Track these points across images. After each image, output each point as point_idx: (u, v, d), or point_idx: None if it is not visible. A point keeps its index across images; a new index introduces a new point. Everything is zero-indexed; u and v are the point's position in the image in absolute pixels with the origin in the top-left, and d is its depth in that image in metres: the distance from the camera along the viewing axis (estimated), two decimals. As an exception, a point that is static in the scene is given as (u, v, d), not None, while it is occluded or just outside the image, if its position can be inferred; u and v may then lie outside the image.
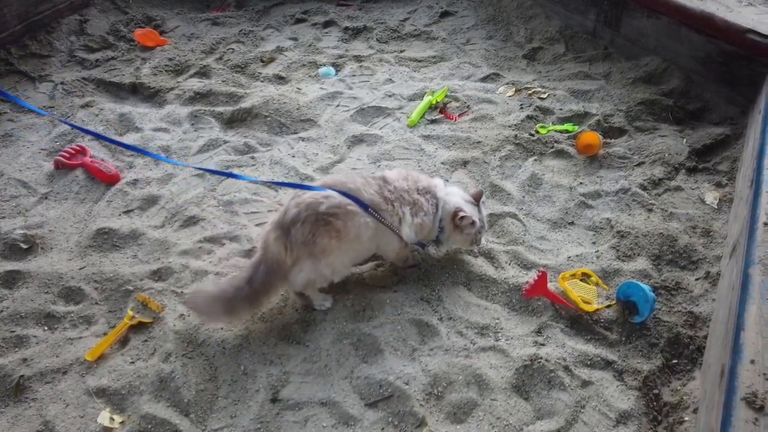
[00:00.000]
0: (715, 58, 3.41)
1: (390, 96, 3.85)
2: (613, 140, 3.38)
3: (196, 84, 4.00)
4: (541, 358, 2.21)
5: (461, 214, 2.39)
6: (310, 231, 2.21)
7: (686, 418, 2.02)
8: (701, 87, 3.57)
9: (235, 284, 2.28)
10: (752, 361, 1.68)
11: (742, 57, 3.25)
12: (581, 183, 3.10)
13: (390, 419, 2.05)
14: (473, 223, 2.42)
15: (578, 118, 3.55)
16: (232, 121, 3.67)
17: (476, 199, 2.53)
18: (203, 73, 4.16)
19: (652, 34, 3.79)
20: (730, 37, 3.28)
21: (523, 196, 3.03)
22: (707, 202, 2.89)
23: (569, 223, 2.88)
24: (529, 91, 3.79)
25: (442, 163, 3.23)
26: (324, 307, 2.47)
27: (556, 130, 3.46)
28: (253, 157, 3.38)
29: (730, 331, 1.87)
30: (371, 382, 2.16)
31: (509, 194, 3.04)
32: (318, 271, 2.30)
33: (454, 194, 2.50)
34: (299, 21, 4.89)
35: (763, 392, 1.61)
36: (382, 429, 2.03)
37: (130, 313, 2.42)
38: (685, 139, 3.30)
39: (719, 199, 2.88)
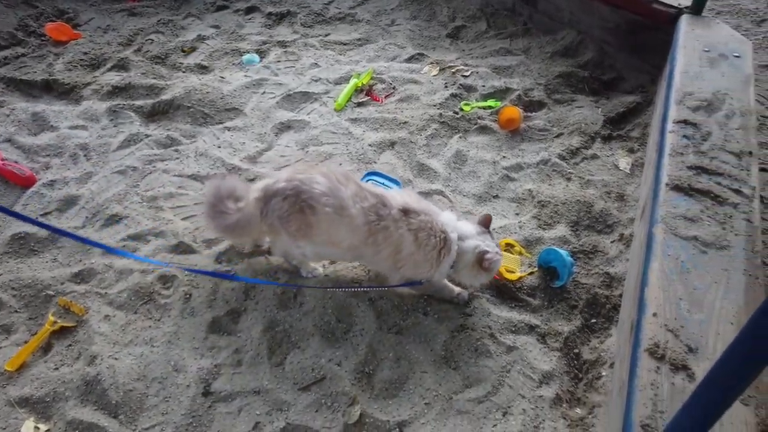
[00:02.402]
0: (623, 28, 3.55)
1: (316, 81, 3.82)
2: (533, 113, 3.48)
3: (114, 78, 3.85)
4: (468, 328, 2.29)
5: (488, 257, 2.16)
6: (287, 210, 2.19)
7: (603, 374, 2.14)
8: (613, 57, 3.71)
9: (229, 207, 2.37)
10: (654, 314, 1.80)
11: (648, 26, 3.40)
12: (504, 157, 3.18)
13: (323, 401, 2.08)
14: (497, 262, 2.22)
15: (500, 93, 3.63)
16: (153, 114, 3.57)
17: (485, 225, 2.32)
18: (121, 66, 4.01)
19: (567, 8, 3.90)
20: (636, 8, 3.42)
21: (450, 173, 3.09)
22: (621, 168, 3.02)
23: (494, 197, 2.96)
24: (453, 70, 3.84)
25: (370, 145, 3.25)
26: (311, 275, 2.50)
27: (479, 107, 3.53)
28: (177, 150, 3.30)
29: (637, 288, 1.99)
30: (304, 366, 2.18)
31: (436, 172, 3.09)
32: (291, 248, 2.31)
33: (468, 233, 2.25)
34: (221, 8, 4.76)
35: (664, 342, 1.72)
36: (316, 411, 2.05)
37: (52, 318, 2.35)
38: (600, 109, 3.43)
39: (631, 164, 3.02)
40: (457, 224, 2.26)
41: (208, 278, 2.54)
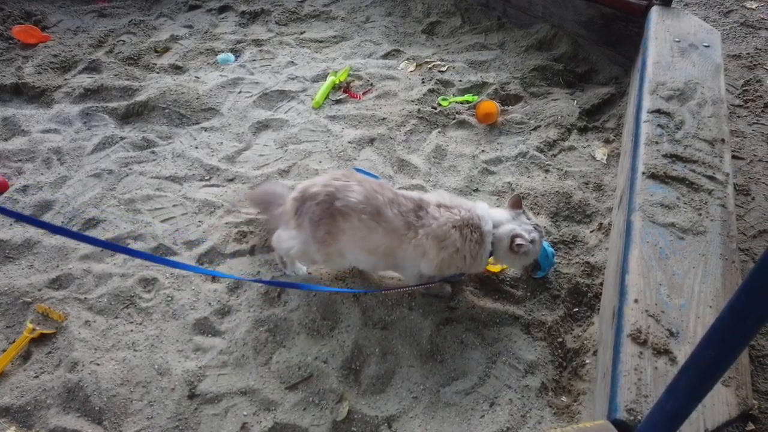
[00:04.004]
0: (596, 20, 3.60)
1: (293, 79, 3.80)
2: (510, 107, 3.51)
3: (85, 80, 3.78)
4: (453, 321, 2.30)
5: (518, 241, 2.14)
6: (319, 215, 2.18)
7: (587, 361, 2.17)
8: (587, 50, 3.76)
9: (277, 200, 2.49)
10: (636, 300, 1.83)
11: (620, 18, 3.45)
12: (483, 151, 3.20)
13: (311, 399, 2.07)
14: (533, 241, 2.19)
15: (477, 88, 3.65)
16: (127, 116, 3.51)
17: (516, 207, 2.30)
18: (93, 68, 3.94)
19: (540, 2, 3.94)
20: (608, 0, 3.47)
21: (429, 168, 3.10)
22: (597, 158, 3.07)
23: (474, 190, 2.98)
24: (429, 65, 3.85)
25: (349, 142, 3.25)
26: (294, 274, 2.49)
27: (457, 102, 3.54)
28: (153, 152, 3.25)
29: (618, 275, 2.02)
30: (290, 365, 2.17)
31: (416, 167, 3.10)
32: (308, 250, 2.28)
33: (503, 219, 2.25)
34: (193, 7, 4.71)
35: (646, 328, 1.75)
36: (304, 409, 2.05)
37: (30, 325, 2.30)
38: (575, 101, 3.48)
39: (608, 155, 3.07)
40: (491, 212, 2.27)
41: (189, 280, 2.51)
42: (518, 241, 2.14)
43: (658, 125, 2.46)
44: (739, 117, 3.84)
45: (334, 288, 2.36)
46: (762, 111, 3.88)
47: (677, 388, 1.29)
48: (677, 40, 2.98)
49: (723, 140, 2.38)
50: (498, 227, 2.22)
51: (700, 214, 2.08)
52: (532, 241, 2.18)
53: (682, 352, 1.68)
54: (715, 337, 1.17)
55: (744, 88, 4.08)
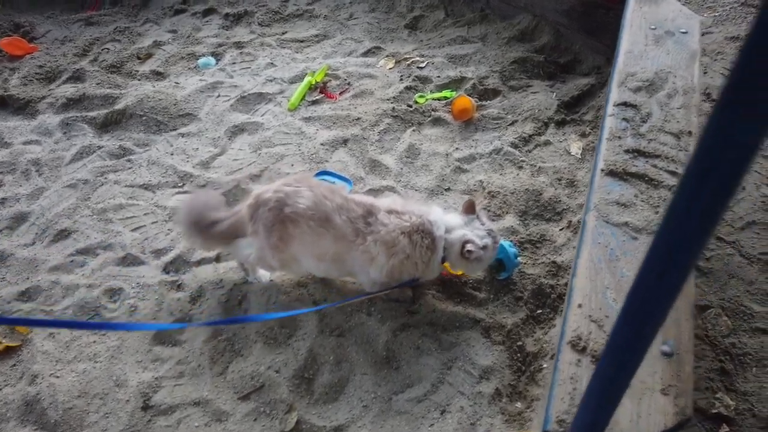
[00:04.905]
0: (577, 9, 3.49)
1: (271, 81, 3.79)
2: (488, 102, 3.44)
3: (69, 90, 3.82)
4: (411, 326, 2.27)
5: (469, 246, 2.09)
6: (271, 222, 2.18)
7: (544, 366, 2.12)
8: (570, 39, 3.65)
9: (217, 217, 2.35)
10: (579, 305, 1.77)
11: (600, 6, 3.34)
12: (457, 148, 3.14)
13: (262, 409, 2.06)
14: (485, 247, 2.15)
15: (455, 83, 3.58)
16: (106, 125, 3.54)
17: (470, 212, 2.26)
18: (77, 77, 3.97)
19: (522, -8, 3.84)
20: (587, -11, 3.36)
21: (401, 168, 3.06)
22: (572, 153, 2.98)
23: (446, 190, 2.93)
24: (408, 62, 3.79)
25: (322, 144, 3.22)
26: (257, 281, 2.48)
27: (434, 99, 3.48)
28: (129, 160, 3.28)
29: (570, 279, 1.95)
30: (244, 375, 2.17)
31: (388, 168, 3.05)
32: (266, 256, 2.28)
33: (455, 225, 2.22)
34: (179, 12, 4.71)
35: (587, 334, 1.69)
36: (255, 419, 2.04)
37: (-5, 339, 2.34)
38: (555, 93, 3.38)
39: (582, 149, 2.98)
40: (444, 218, 2.24)
41: (154, 290, 2.52)
42: (469, 246, 2.09)
43: (623, 119, 2.37)
44: (734, 102, 3.69)
45: (302, 310, 2.27)
46: (759, 95, 3.72)
47: (588, 399, 1.25)
48: (653, 27, 2.86)
49: (690, 132, 2.28)
50: (450, 232, 2.17)
51: (657, 212, 1.99)
52: (484, 247, 2.13)
53: (623, 359, 1.61)
54: (612, 347, 1.11)
55: (741, 72, 3.91)
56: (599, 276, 1.83)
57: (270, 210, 2.17)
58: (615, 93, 2.50)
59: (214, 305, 2.43)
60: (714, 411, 2.28)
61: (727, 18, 4.53)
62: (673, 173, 2.13)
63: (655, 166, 2.16)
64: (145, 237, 2.79)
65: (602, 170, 2.17)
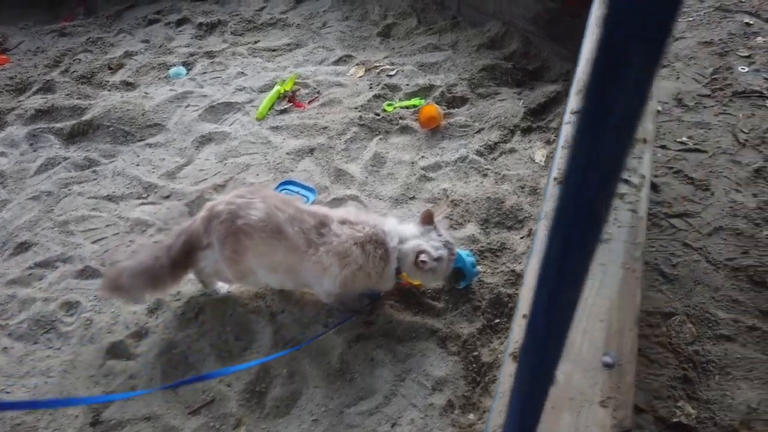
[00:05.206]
0: (543, 16, 3.50)
1: (241, 90, 3.77)
2: (456, 110, 3.43)
3: (38, 101, 3.80)
4: (366, 337, 2.25)
5: (422, 257, 2.08)
6: (224, 234, 2.16)
7: (498, 376, 2.09)
8: (538, 47, 3.66)
9: (153, 253, 2.25)
10: (524, 316, 1.75)
11: (566, 13, 3.34)
12: (423, 157, 3.13)
13: (211, 423, 2.04)
14: (439, 258, 2.14)
15: (424, 91, 3.58)
16: (73, 136, 3.52)
17: (428, 222, 2.23)
18: (47, 88, 3.96)
19: None
20: (553, -4, 3.37)
21: (366, 177, 3.04)
22: (536, 161, 2.97)
23: (410, 198, 2.91)
24: (378, 70, 3.79)
25: (288, 153, 3.20)
26: (216, 293, 2.45)
27: (402, 107, 3.47)
28: (94, 171, 3.25)
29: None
30: (195, 389, 2.14)
31: (353, 177, 3.04)
32: (221, 269, 2.26)
33: (410, 235, 2.20)
34: (152, 22, 4.71)
35: (530, 345, 1.67)
36: (204, 434, 2.01)
37: (-54, 355, 2.31)
38: (522, 101, 3.38)
39: (546, 156, 2.97)
40: (398, 228, 2.22)
41: (111, 302, 2.50)
42: (422, 257, 2.08)
43: (579, 126, 2.36)
44: (705, 107, 3.71)
45: (274, 355, 2.17)
46: (730, 100, 3.74)
47: (511, 413, 1.22)
48: (614, 33, 2.86)
49: (645, 140, 2.28)
50: (404, 243, 2.16)
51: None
52: (438, 259, 2.11)
53: (564, 370, 1.59)
54: (525, 348, 1.08)
55: (713, 77, 3.94)
56: (545, 286, 1.81)
57: (222, 222, 2.16)
58: (573, 101, 2.49)
59: (170, 318, 2.40)
60: (675, 420, 2.27)
61: (701, 23, 4.55)
62: (625, 181, 2.11)
63: (607, 173, 2.14)
64: (106, 249, 2.76)
65: (555, 179, 2.16)
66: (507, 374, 1.62)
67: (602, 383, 1.56)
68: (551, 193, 2.12)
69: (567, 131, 2.36)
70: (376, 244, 2.13)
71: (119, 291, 2.26)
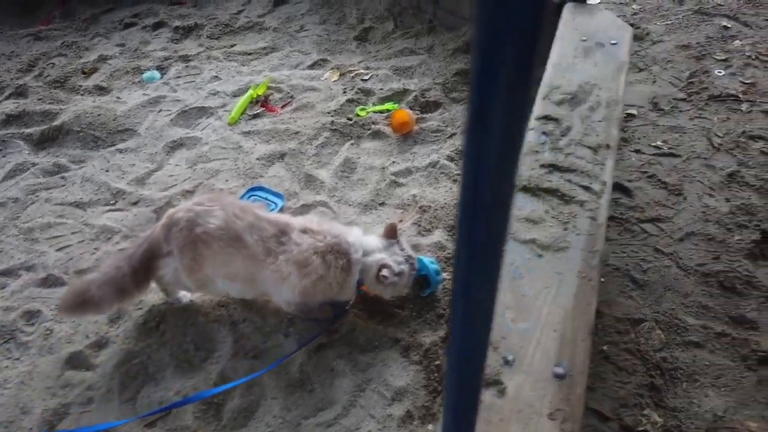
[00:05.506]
0: (517, 21, 3.48)
1: (214, 94, 3.74)
2: (429, 114, 3.41)
3: (9, 106, 3.75)
4: (328, 347, 2.22)
5: (384, 272, 2.08)
6: (182, 242, 2.14)
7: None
8: (513, 51, 3.63)
9: (115, 264, 2.22)
10: (477, 327, 1.72)
11: (539, 18, 3.32)
12: (394, 162, 3.11)
13: (167, 436, 2.01)
14: (400, 273, 2.13)
15: (398, 96, 3.55)
16: (42, 142, 3.47)
17: (391, 236, 2.23)
18: (19, 93, 3.91)
19: (466, 2, 3.83)
20: None
21: (336, 183, 3.02)
22: (506, 166, 2.95)
23: (380, 204, 2.89)
24: (353, 74, 3.76)
25: (258, 159, 3.17)
26: (178, 302, 2.41)
27: (375, 111, 3.45)
28: (63, 177, 3.21)
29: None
30: (152, 401, 2.11)
31: (322, 182, 3.01)
32: (179, 277, 2.23)
33: (374, 248, 2.19)
34: (129, 25, 4.66)
35: (482, 356, 1.65)
36: (159, 447, 1.98)
37: None
38: (495, 105, 3.35)
39: (516, 162, 2.95)
40: (363, 240, 2.20)
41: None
42: (384, 272, 2.07)
43: (543, 132, 2.35)
44: (681, 111, 3.71)
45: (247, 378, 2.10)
46: (705, 104, 3.73)
47: (446, 413, 1.20)
48: (584, 39, 2.85)
49: (608, 146, 2.26)
50: (368, 255, 2.14)
51: (565, 229, 1.96)
52: (399, 273, 2.10)
53: (513, 382, 1.58)
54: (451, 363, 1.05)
55: (689, 80, 3.94)
56: (500, 296, 1.78)
57: (181, 230, 2.13)
58: (538, 106, 2.48)
59: (131, 327, 2.37)
60: (640, 428, 2.25)
61: (679, 26, 4.55)
62: (586, 188, 2.10)
63: (569, 180, 2.13)
64: (70, 257, 2.73)
65: (516, 186, 2.14)
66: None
67: (552, 395, 1.54)
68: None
69: (531, 137, 2.35)
70: (337, 254, 2.11)
71: (86, 306, 2.21)
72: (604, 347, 2.53)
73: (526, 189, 2.11)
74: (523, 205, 2.06)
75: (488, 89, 0.61)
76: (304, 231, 2.13)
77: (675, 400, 2.36)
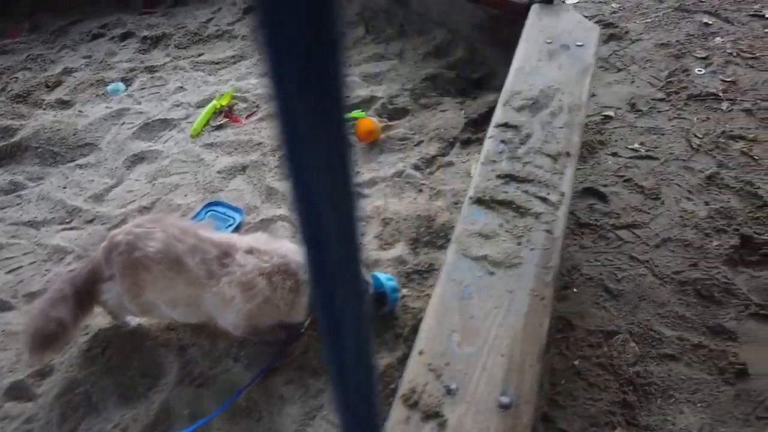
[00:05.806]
0: (486, 23, 3.39)
1: (178, 105, 3.64)
2: (396, 122, 3.31)
3: (-30, 122, 3.66)
4: (279, 372, 2.11)
5: None
6: (122, 266, 2.04)
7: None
8: (483, 54, 3.55)
9: (58, 285, 2.15)
10: (420, 352, 1.62)
11: (507, 20, 3.23)
12: (358, 172, 3.00)
13: (104, 471, 1.90)
14: None
15: (366, 103, 3.45)
16: (0, 159, 3.38)
17: None
18: (-19, 108, 3.82)
19: (436, 6, 3.74)
20: (493, 2, 3.25)
21: (298, 195, 2.91)
22: (472, 174, 2.84)
23: (343, 217, 2.78)
24: (320, 81, 3.66)
25: (219, 172, 3.07)
26: (126, 326, 2.31)
27: (342, 119, 3.35)
28: (19, 196, 3.11)
29: (427, 319, 1.80)
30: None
31: (284, 196, 2.91)
32: (122, 302, 2.13)
33: None
34: (96, 36, 4.56)
35: (423, 385, 1.54)
36: (95, 484, 1.87)
37: None
38: (463, 111, 3.26)
39: (482, 170, 2.85)
40: None
41: (17, 338, 2.35)
42: None
43: (502, 141, 2.24)
44: (659, 112, 3.61)
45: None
46: (685, 104, 3.63)
47: None
48: (549, 41, 2.75)
49: (568, 153, 2.16)
50: None
51: (519, 243, 1.85)
52: None
53: (455, 413, 1.47)
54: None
55: (668, 80, 3.83)
56: (447, 317, 1.68)
57: (120, 254, 2.03)
58: (499, 113, 2.38)
59: (75, 354, 2.26)
60: (611, 449, 2.14)
61: (659, 24, 4.45)
62: (543, 200, 1.99)
63: (526, 191, 2.02)
64: (20, 279, 2.62)
65: (470, 198, 2.03)
66: (394, 419, 1.49)
67: (494, 427, 1.43)
68: (465, 213, 1.99)
69: (488, 146, 2.24)
70: (285, 274, 2.00)
71: (55, 340, 2.10)
72: (576, 362, 2.42)
73: (480, 201, 2.01)
74: (476, 219, 1.95)
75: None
76: (250, 251, 2.03)
77: (648, 418, 2.25)
